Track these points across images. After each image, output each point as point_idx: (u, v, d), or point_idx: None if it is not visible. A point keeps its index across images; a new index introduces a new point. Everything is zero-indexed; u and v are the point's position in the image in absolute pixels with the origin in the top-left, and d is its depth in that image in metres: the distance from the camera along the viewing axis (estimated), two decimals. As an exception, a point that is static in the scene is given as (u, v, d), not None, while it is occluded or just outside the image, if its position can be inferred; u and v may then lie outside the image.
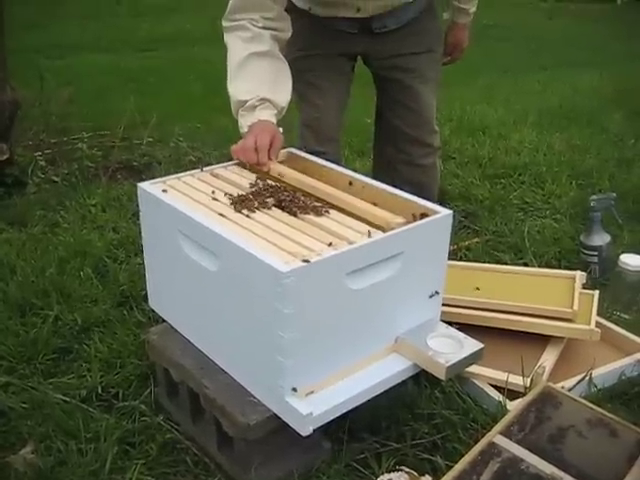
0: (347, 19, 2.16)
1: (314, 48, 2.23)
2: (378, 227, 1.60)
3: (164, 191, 1.74)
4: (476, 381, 1.87)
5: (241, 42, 1.97)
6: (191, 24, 12.18)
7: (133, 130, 4.72)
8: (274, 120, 1.94)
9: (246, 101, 1.92)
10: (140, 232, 2.87)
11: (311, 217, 1.64)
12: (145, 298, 2.36)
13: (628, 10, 16.40)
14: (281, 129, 1.95)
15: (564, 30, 12.72)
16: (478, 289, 2.18)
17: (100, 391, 1.95)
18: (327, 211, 1.67)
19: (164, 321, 1.91)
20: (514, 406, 1.63)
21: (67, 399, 1.90)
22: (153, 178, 1.88)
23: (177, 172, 1.92)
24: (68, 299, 2.41)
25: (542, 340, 2.01)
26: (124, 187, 3.68)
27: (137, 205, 3.28)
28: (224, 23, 2.02)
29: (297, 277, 1.36)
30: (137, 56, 9.22)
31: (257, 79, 1.94)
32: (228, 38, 2.01)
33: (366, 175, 1.95)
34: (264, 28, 1.97)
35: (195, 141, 4.60)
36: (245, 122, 1.93)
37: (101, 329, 2.25)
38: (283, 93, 1.98)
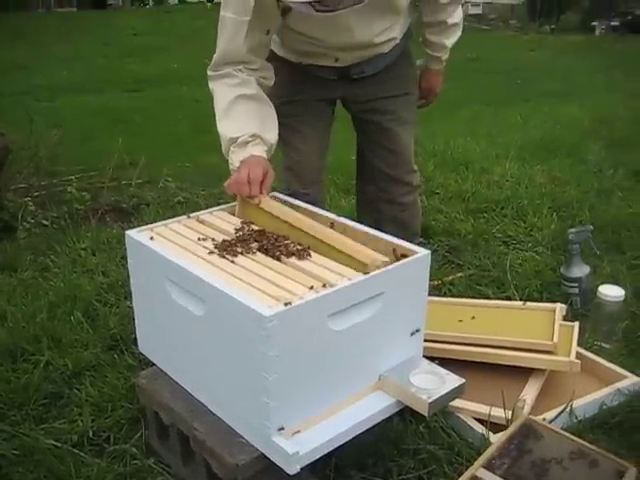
0: (326, 67, 2.24)
1: (296, 94, 2.30)
2: (363, 265, 1.65)
3: (151, 238, 1.79)
4: (460, 415, 1.91)
5: (227, 87, 2.03)
6: (178, 64, 12.34)
7: (122, 171, 4.78)
8: (266, 156, 1.99)
9: (237, 138, 1.97)
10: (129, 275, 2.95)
11: (294, 261, 1.69)
12: (135, 341, 2.39)
13: (606, 41, 16.73)
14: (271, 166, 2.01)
15: (545, 62, 12.95)
16: (461, 321, 2.24)
17: (91, 435, 1.98)
18: (309, 254, 1.73)
19: (154, 364, 1.95)
20: (496, 439, 1.67)
21: (58, 444, 1.93)
22: (142, 220, 1.93)
23: (166, 214, 1.98)
24: (59, 344, 2.44)
25: (524, 372, 2.05)
26: (113, 230, 3.71)
27: (126, 249, 3.37)
28: (209, 73, 2.08)
29: (280, 320, 1.41)
30: (125, 96, 9.33)
31: (246, 118, 1.99)
32: (214, 85, 2.07)
33: (351, 213, 2.01)
34: (249, 75, 2.04)
35: (184, 181, 4.65)
36: (237, 158, 1.97)
37: (92, 373, 2.28)
38: (272, 132, 2.04)
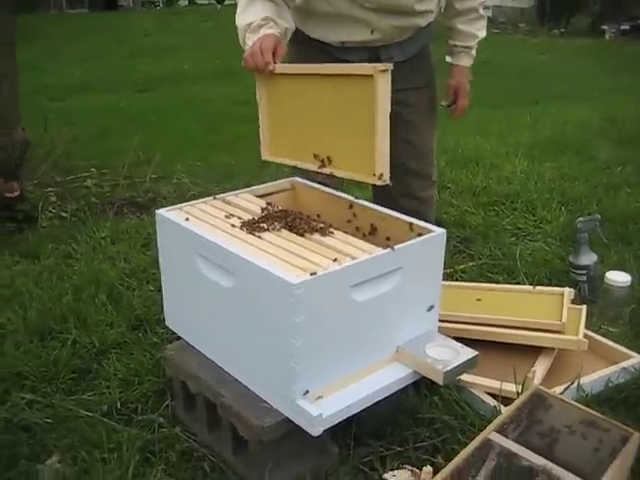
0: (357, 49, 2.27)
1: None
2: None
3: (187, 219, 1.88)
4: (472, 389, 2.00)
5: None
6: (189, 64, 12.48)
7: (135, 168, 4.89)
8: (278, 35, 2.03)
9: (251, 23, 2.03)
10: (150, 262, 3.05)
11: (317, 237, 1.80)
12: (158, 322, 2.51)
13: (616, 45, 16.79)
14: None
15: (555, 65, 13.03)
16: (479, 300, 2.36)
17: (119, 406, 2.08)
18: (331, 232, 1.83)
19: (179, 341, 2.04)
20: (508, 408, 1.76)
21: (89, 414, 2.03)
22: None
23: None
24: (85, 324, 2.54)
25: (534, 351, 2.14)
26: (131, 221, 3.83)
27: (145, 237, 3.46)
28: None
29: (306, 288, 1.50)
30: (136, 96, 9.46)
31: (262, 8, 2.06)
32: None
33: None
34: None
35: (197, 177, 4.76)
36: (251, 41, 2.03)
37: (118, 350, 2.38)
38: (287, 21, 2.10)
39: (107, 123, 7.16)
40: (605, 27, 19.58)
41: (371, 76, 1.79)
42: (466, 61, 2.48)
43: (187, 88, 10.13)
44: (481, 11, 2.38)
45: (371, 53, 2.29)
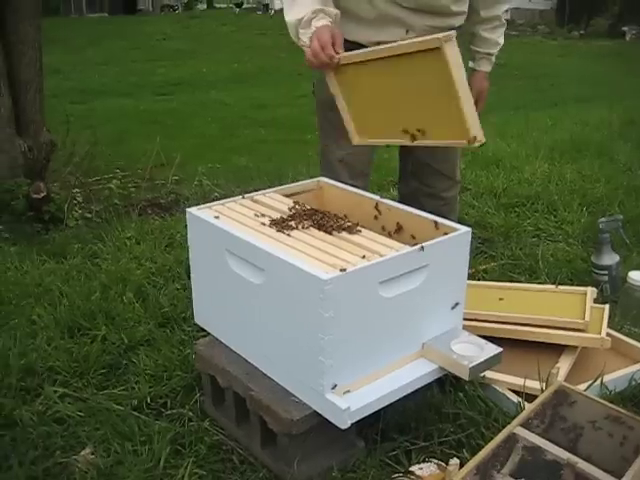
0: None
1: None
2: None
3: (217, 217, 1.93)
4: (496, 386, 2.03)
5: None
6: (207, 68, 12.58)
7: (156, 170, 4.96)
8: (330, 25, 2.06)
9: (302, 18, 2.06)
10: (175, 261, 3.10)
11: (345, 235, 1.84)
12: (185, 319, 2.56)
13: (636, 46, 16.71)
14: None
15: (574, 67, 13.00)
16: (502, 299, 2.39)
17: (149, 401, 2.12)
18: (359, 230, 1.87)
19: (207, 337, 2.09)
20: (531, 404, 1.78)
21: (120, 407, 2.07)
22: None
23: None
24: (113, 321, 2.59)
25: (557, 350, 2.16)
26: (155, 222, 3.87)
27: (169, 238, 3.51)
28: None
29: (336, 284, 1.54)
30: (155, 99, 9.55)
31: (309, 3, 2.08)
32: None
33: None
34: None
35: (217, 179, 4.81)
36: (306, 36, 2.07)
37: (146, 347, 2.43)
38: (332, 6, 2.13)
39: (127, 126, 7.25)
40: (625, 29, 19.48)
41: (438, 49, 1.82)
42: (487, 66, 2.51)
43: (205, 92, 10.22)
44: (503, 19, 2.42)
45: None
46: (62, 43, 14.00)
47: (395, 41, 2.15)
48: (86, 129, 5.99)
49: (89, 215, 4.15)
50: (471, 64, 2.52)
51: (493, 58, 2.50)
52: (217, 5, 31.58)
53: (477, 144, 1.92)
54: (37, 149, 4.10)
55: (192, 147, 6.19)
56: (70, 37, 15.67)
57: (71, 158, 4.77)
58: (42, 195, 3.92)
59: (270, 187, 2.28)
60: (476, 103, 2.48)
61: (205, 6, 31.47)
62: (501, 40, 2.47)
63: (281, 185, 2.30)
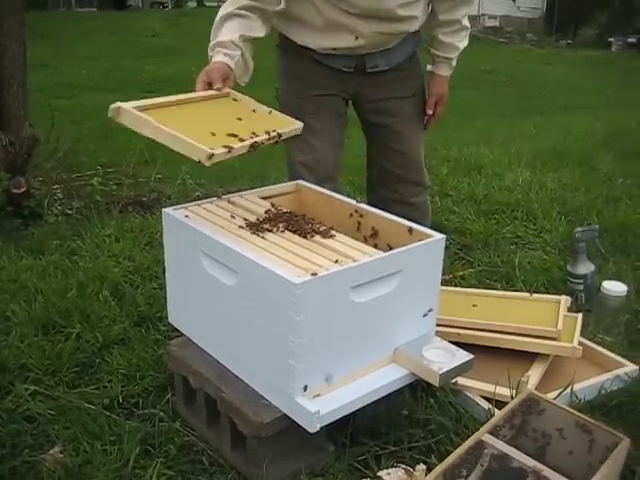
0: (344, 57, 2.32)
1: (314, 88, 2.38)
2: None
3: (186, 216, 1.93)
4: (467, 392, 2.04)
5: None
6: (196, 66, 12.48)
7: (140, 167, 4.93)
8: (227, 60, 2.15)
9: (211, 43, 2.20)
10: (154, 260, 3.09)
11: (319, 239, 1.84)
12: (160, 319, 2.56)
13: (622, 57, 16.86)
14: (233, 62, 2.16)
15: (561, 76, 13.10)
16: (475, 306, 2.40)
17: (121, 400, 2.11)
18: (333, 234, 1.87)
19: (181, 337, 2.09)
20: (501, 411, 1.79)
21: (91, 406, 2.07)
22: None
23: (189, 205, 2.08)
24: (88, 319, 2.57)
25: (528, 357, 2.18)
26: (136, 220, 3.86)
27: (149, 236, 3.50)
28: None
29: (308, 288, 1.55)
30: (142, 96, 9.44)
31: (224, 32, 2.19)
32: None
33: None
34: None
35: (201, 178, 4.80)
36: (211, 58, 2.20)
37: (120, 346, 2.42)
38: (247, 39, 2.20)
39: (112, 122, 7.16)
40: (612, 39, 19.66)
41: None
42: (446, 71, 2.50)
43: (193, 89, 10.17)
44: (464, 22, 2.40)
45: (357, 60, 2.35)
46: (50, 37, 13.94)
47: (347, 47, 2.27)
48: (72, 124, 5.97)
49: (69, 211, 4.13)
50: (429, 67, 2.52)
51: (453, 62, 2.49)
52: (207, 4, 31.49)
53: (209, 163, 1.83)
54: (19, 144, 4.05)
55: (178, 145, 6.15)
56: (58, 32, 15.57)
57: (54, 153, 4.75)
58: (22, 190, 3.90)
59: (252, 188, 2.28)
60: (435, 107, 2.52)
61: (195, 4, 31.39)
62: (462, 44, 2.45)
63: (263, 186, 2.30)
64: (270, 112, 2.15)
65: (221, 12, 2.23)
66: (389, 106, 2.44)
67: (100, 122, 6.96)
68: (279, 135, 2.02)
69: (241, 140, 1.89)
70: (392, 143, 2.48)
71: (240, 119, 2.01)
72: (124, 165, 4.93)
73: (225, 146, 1.83)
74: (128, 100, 1.94)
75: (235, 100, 2.14)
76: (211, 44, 2.19)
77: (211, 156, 1.77)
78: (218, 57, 2.14)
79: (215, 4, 30.18)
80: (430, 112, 2.51)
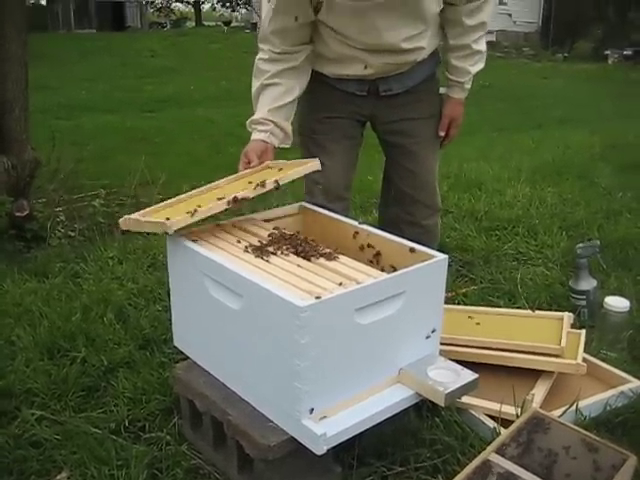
0: (357, 81, 2.35)
1: (330, 111, 2.42)
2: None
3: (192, 240, 1.94)
4: (472, 411, 2.05)
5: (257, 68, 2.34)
6: (194, 85, 12.62)
7: (141, 188, 4.95)
8: (262, 137, 2.29)
9: (250, 120, 2.32)
10: (157, 282, 3.10)
11: (323, 261, 1.85)
12: (165, 342, 2.56)
13: (619, 70, 16.93)
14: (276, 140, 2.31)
15: (557, 89, 13.16)
16: (478, 324, 2.41)
17: (127, 424, 2.12)
18: (337, 256, 1.88)
19: (186, 360, 2.09)
20: (507, 430, 1.80)
21: (98, 430, 2.07)
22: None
23: (190, 227, 2.10)
24: (93, 342, 2.58)
25: (533, 375, 2.18)
26: (138, 241, 3.86)
27: (152, 258, 3.50)
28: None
29: (313, 311, 1.56)
30: (142, 116, 9.56)
31: (260, 107, 2.32)
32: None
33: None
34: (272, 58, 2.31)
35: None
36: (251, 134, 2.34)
37: (125, 369, 2.42)
38: (283, 115, 2.32)
39: (113, 143, 7.24)
40: (608, 52, 19.76)
41: None
42: (459, 93, 2.49)
43: (192, 109, 10.26)
44: (475, 46, 2.38)
45: (370, 84, 2.38)
46: (50, 59, 14.02)
47: (357, 74, 2.33)
48: (72, 145, 6.00)
49: (72, 233, 4.15)
50: (443, 90, 2.52)
51: (467, 86, 2.48)
52: (206, 23, 31.73)
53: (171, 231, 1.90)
54: (21, 167, 4.08)
55: (178, 165, 6.19)
56: (58, 53, 15.69)
57: (56, 175, 4.78)
58: (25, 213, 3.92)
59: (255, 209, 2.30)
60: (448, 129, 2.53)
61: (194, 24, 31.62)
62: (474, 68, 2.44)
63: (265, 207, 2.32)
64: (280, 169, 2.17)
65: (253, 86, 2.35)
66: (405, 127, 2.45)
67: (100, 143, 7.03)
68: (277, 182, 2.04)
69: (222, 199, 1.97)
70: (406, 162, 2.49)
71: (250, 182, 2.07)
72: (125, 186, 4.96)
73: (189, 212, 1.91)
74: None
75: (270, 168, 2.23)
76: (248, 121, 2.33)
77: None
78: (254, 135, 2.31)
79: (213, 24, 30.48)
80: (442, 134, 2.51)
